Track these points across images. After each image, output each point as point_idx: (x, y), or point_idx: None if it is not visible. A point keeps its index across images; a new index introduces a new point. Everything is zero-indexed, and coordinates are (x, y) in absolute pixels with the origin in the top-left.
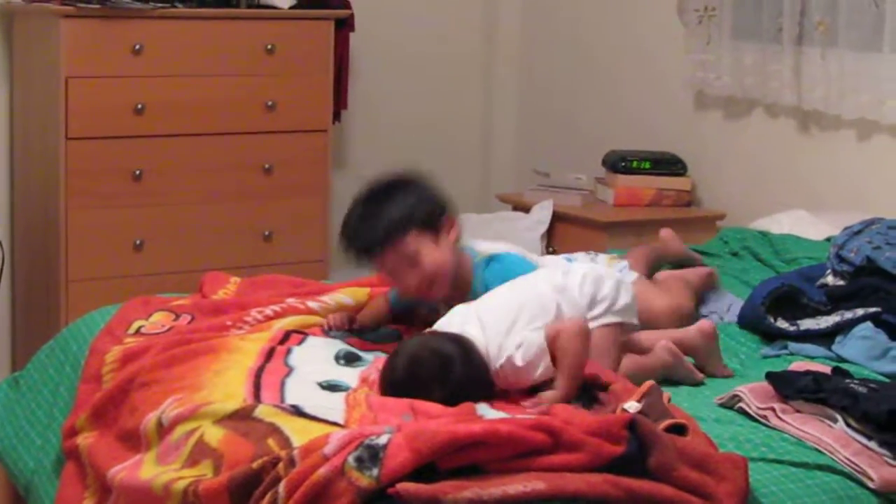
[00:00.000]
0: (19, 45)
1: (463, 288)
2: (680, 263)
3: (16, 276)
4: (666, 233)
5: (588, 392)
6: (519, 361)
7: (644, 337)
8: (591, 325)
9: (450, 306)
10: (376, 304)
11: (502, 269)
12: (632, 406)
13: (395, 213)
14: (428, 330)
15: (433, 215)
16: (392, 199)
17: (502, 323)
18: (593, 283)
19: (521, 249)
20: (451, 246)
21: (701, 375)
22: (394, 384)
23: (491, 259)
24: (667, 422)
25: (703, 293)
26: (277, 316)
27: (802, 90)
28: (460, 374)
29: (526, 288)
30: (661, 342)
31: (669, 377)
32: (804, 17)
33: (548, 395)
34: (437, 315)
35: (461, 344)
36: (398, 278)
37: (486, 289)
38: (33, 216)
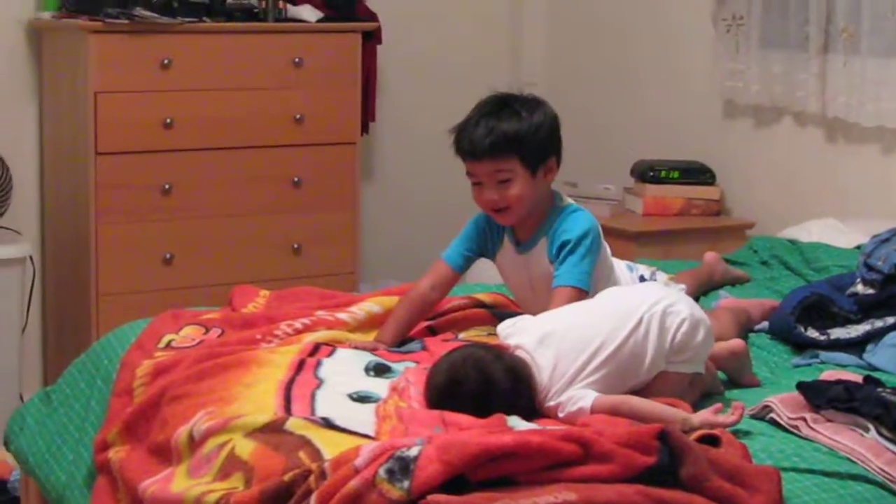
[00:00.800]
0: (48, 60)
1: (532, 224)
2: (731, 284)
3: (46, 291)
4: (711, 256)
5: None
6: (560, 414)
7: None
8: (669, 367)
9: (514, 240)
10: (402, 312)
11: (567, 224)
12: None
13: (510, 132)
14: (495, 342)
15: (541, 152)
16: (514, 116)
17: (576, 361)
18: (691, 330)
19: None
20: (542, 185)
21: (721, 389)
22: (432, 394)
23: (569, 210)
24: (699, 432)
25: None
26: (307, 329)
27: (827, 98)
28: (498, 404)
29: (620, 318)
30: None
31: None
32: (830, 24)
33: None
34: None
35: (513, 372)
36: (482, 187)
37: (552, 237)
38: (63, 231)
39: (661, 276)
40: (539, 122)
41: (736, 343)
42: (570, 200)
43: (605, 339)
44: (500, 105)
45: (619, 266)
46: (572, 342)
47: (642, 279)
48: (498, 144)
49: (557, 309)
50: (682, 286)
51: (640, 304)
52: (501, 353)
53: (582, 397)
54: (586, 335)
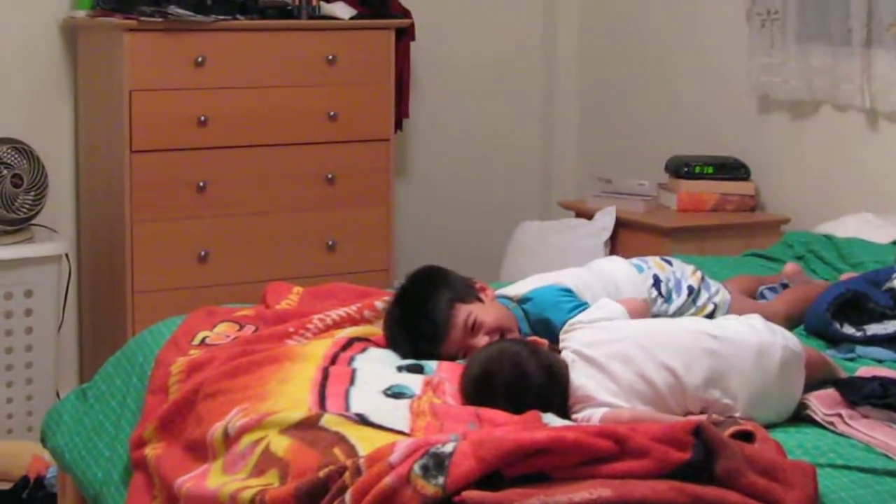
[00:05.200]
0: (83, 59)
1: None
2: None
3: (82, 289)
4: (791, 267)
5: None
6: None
7: None
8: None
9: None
10: None
11: (536, 308)
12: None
13: (439, 302)
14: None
15: (468, 287)
16: (428, 296)
17: (607, 393)
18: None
19: (555, 277)
20: (494, 303)
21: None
22: (467, 385)
23: (522, 302)
24: (733, 428)
25: None
26: (341, 322)
27: (875, 92)
28: (532, 398)
29: (682, 358)
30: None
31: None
32: (872, 18)
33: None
34: None
35: (549, 368)
36: (471, 349)
37: (530, 328)
38: (99, 229)
39: (682, 267)
40: (444, 279)
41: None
42: (509, 293)
43: (658, 390)
44: (408, 303)
45: (623, 270)
46: (617, 383)
47: (656, 280)
48: (441, 316)
49: (628, 329)
50: (691, 267)
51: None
52: (538, 349)
53: (592, 414)
54: (638, 384)
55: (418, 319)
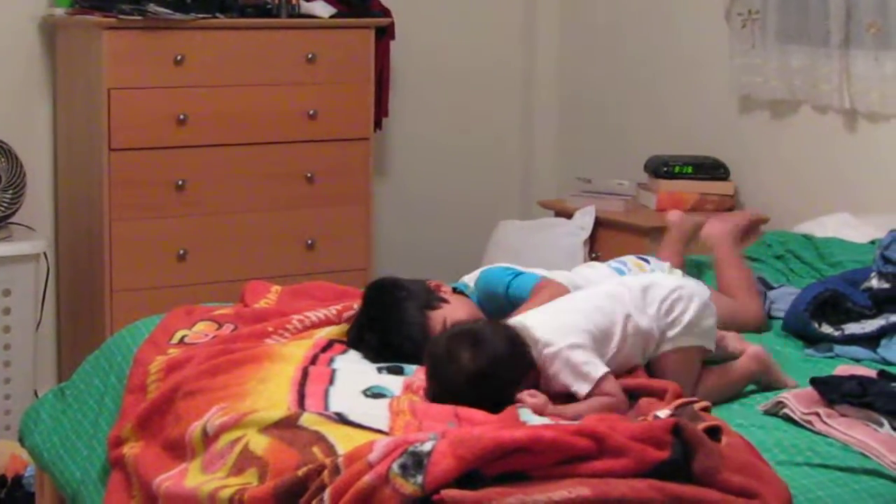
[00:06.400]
0: (62, 57)
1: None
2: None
3: (60, 287)
4: (674, 216)
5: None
6: (560, 366)
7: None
8: (668, 346)
9: None
10: None
11: (484, 284)
12: (663, 413)
13: (412, 318)
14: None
15: (428, 291)
16: (398, 315)
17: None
18: (678, 301)
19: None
20: (455, 296)
21: (794, 382)
22: (430, 361)
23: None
24: (704, 424)
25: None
26: (320, 324)
27: (854, 93)
28: (500, 373)
29: (603, 301)
30: (750, 349)
31: (757, 385)
32: (851, 19)
33: (568, 409)
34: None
35: (511, 341)
36: None
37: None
38: (77, 227)
39: (660, 265)
40: (403, 289)
41: (755, 350)
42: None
43: (596, 322)
44: (376, 317)
45: (604, 274)
46: (569, 318)
47: None
48: (417, 330)
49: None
50: (667, 264)
51: (627, 282)
52: (493, 322)
53: (597, 365)
54: (583, 320)
55: (399, 341)
